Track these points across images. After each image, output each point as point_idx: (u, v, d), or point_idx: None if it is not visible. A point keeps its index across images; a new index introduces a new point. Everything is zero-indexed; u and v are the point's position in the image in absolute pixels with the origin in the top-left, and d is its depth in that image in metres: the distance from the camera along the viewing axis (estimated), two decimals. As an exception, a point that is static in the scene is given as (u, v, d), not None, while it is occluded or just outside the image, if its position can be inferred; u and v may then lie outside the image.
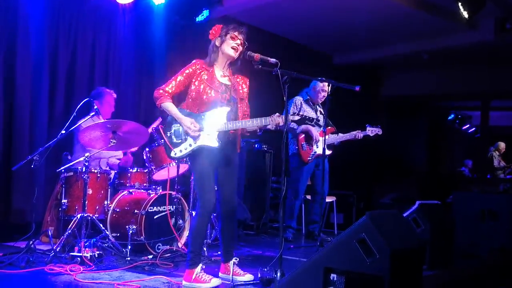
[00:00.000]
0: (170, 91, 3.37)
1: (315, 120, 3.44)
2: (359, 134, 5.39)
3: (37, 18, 4.94)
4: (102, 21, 5.60)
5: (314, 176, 5.58)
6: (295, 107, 5.37)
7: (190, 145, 3.34)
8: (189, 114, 3.36)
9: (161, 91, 3.36)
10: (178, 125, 3.37)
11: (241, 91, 3.53)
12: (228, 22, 3.49)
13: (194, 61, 3.45)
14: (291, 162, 5.52)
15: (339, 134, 5.41)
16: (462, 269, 4.27)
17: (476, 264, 4.50)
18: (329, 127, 5.33)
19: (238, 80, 3.55)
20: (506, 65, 8.48)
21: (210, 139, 3.32)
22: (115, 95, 4.96)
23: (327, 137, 5.01)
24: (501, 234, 4.90)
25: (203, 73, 3.40)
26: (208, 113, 3.35)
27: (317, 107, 5.55)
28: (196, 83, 3.38)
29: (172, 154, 3.39)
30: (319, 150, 5.34)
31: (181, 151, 3.36)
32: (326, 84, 5.31)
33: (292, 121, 3.47)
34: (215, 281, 3.26)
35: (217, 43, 3.43)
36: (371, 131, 5.37)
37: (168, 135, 3.42)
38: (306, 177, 5.49)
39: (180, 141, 3.37)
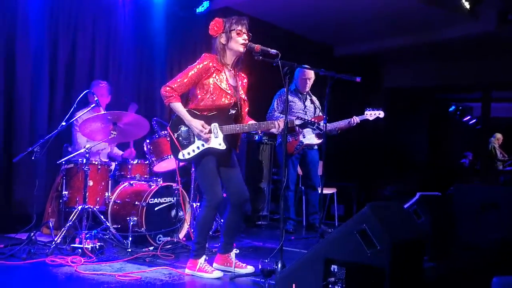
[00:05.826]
0: (178, 90, 3.22)
1: (316, 125, 3.45)
2: (354, 119, 5.08)
3: (37, 10, 4.91)
4: (102, 12, 5.56)
5: (304, 168, 5.53)
6: (279, 101, 5.29)
7: (198, 147, 3.26)
8: (196, 116, 3.26)
9: (168, 88, 3.21)
10: (184, 126, 3.28)
11: (242, 90, 3.45)
12: (229, 13, 3.47)
13: (203, 56, 3.31)
14: (278, 153, 5.59)
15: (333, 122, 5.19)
16: (462, 260, 4.27)
17: (477, 255, 4.51)
18: (319, 115, 5.27)
19: (242, 76, 3.49)
20: (508, 56, 8.43)
21: (217, 141, 3.27)
22: (102, 84, 4.86)
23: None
24: (501, 226, 4.90)
25: (215, 73, 3.27)
26: (216, 114, 3.28)
27: (307, 96, 5.44)
28: (206, 81, 3.25)
29: (180, 157, 3.28)
30: (306, 140, 5.31)
31: (189, 153, 3.26)
32: (311, 72, 5.25)
33: (296, 125, 3.50)
34: (217, 273, 3.30)
35: (223, 41, 3.28)
36: (370, 114, 5.05)
37: (175, 136, 3.29)
38: (293, 167, 5.44)
39: (187, 142, 3.27)
